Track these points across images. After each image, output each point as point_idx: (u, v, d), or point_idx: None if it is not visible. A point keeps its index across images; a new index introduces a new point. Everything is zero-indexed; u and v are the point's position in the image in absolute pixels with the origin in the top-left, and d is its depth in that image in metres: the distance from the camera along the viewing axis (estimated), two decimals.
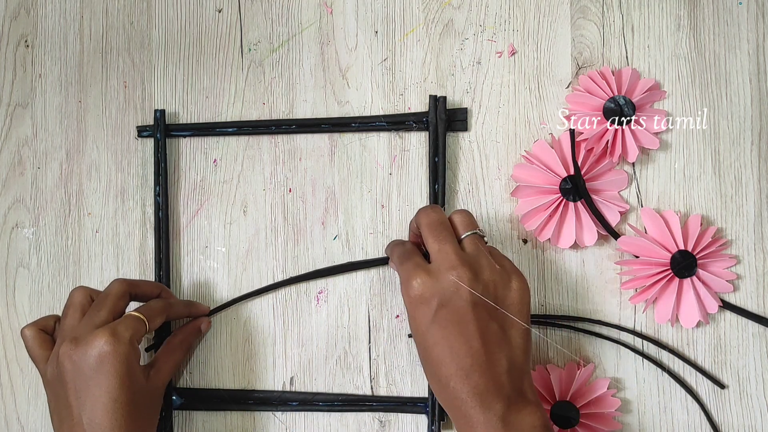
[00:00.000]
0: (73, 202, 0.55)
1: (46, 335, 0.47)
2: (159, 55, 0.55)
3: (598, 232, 0.49)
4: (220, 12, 0.54)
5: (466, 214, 0.45)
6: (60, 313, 0.48)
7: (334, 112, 0.53)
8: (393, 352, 0.51)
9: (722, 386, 0.48)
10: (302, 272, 0.52)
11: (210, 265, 0.53)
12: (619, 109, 0.48)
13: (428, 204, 0.51)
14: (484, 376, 0.39)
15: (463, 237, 0.43)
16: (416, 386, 0.51)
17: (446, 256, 0.41)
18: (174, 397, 0.52)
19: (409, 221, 0.51)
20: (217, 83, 0.54)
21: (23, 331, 0.46)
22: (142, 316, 0.45)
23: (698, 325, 0.49)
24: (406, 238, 0.51)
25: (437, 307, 0.40)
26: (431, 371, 0.42)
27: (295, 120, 0.53)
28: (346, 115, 0.52)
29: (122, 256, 0.54)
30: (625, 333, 0.49)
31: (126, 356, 0.42)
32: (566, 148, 0.49)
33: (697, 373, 0.49)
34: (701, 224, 0.48)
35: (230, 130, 0.53)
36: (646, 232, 0.49)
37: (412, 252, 0.44)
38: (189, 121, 0.54)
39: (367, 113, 0.52)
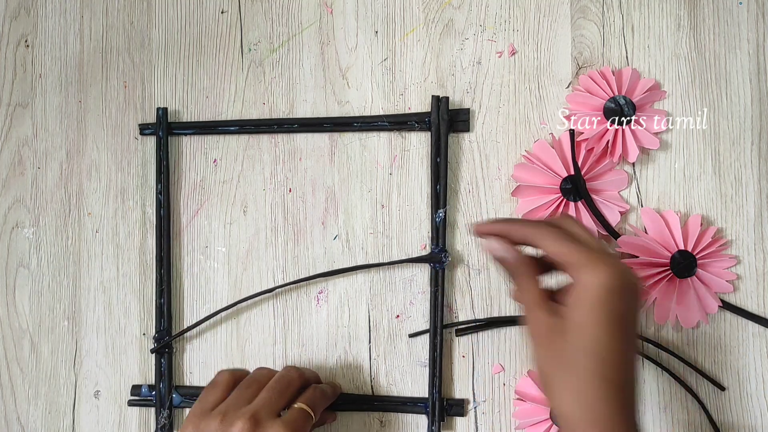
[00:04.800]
0: (73, 202, 0.55)
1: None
2: (159, 55, 0.55)
3: (598, 231, 0.49)
4: (223, 13, 0.54)
5: None
6: None
7: (334, 112, 0.53)
8: (393, 352, 0.51)
9: (722, 388, 0.48)
10: (302, 273, 0.52)
11: (210, 265, 0.53)
12: (619, 109, 0.48)
13: (431, 203, 0.51)
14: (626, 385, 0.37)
15: None
16: (416, 386, 0.51)
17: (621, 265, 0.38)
18: (174, 396, 0.52)
19: (409, 221, 0.51)
20: (217, 83, 0.54)
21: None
22: (309, 411, 0.45)
23: (698, 325, 0.49)
24: (406, 237, 0.51)
25: (627, 300, 0.37)
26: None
27: (298, 119, 0.53)
28: (347, 115, 0.52)
29: (122, 256, 0.54)
30: None
31: None
32: (566, 148, 0.49)
33: (697, 373, 0.49)
34: (701, 224, 0.48)
35: (232, 128, 0.53)
36: (646, 232, 0.49)
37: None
38: (189, 121, 0.54)
39: (367, 113, 0.52)
